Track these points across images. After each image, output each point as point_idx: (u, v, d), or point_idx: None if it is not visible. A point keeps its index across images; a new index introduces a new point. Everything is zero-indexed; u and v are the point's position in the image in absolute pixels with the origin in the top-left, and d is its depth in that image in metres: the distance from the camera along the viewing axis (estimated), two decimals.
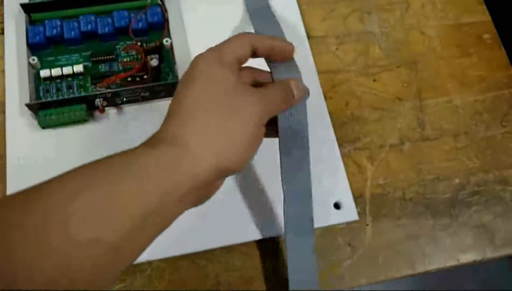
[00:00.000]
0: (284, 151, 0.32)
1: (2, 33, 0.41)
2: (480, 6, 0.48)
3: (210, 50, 0.28)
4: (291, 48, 0.32)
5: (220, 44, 0.29)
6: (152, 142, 0.25)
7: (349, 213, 0.38)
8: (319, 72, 0.43)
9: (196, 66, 0.27)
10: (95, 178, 0.22)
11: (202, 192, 0.26)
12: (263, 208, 0.37)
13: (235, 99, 0.26)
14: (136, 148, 0.25)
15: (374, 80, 0.44)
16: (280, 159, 0.32)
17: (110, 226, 0.21)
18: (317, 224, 0.37)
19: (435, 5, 0.48)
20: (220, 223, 0.36)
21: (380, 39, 0.46)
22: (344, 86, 0.43)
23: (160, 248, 0.35)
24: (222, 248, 0.37)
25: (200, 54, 0.28)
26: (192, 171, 0.24)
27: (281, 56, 0.31)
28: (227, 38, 0.29)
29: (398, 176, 0.41)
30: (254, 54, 0.30)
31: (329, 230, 0.38)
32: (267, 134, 0.29)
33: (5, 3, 0.41)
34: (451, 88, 0.45)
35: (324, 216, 0.38)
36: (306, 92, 0.32)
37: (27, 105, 0.36)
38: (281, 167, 0.32)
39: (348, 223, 0.38)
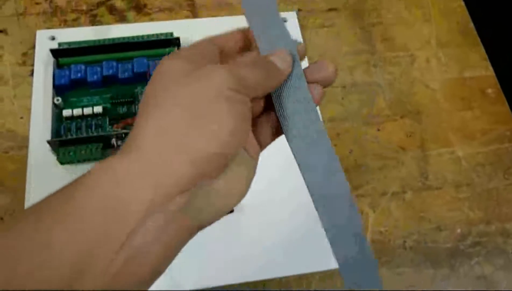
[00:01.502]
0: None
1: (31, 74, 0.44)
2: (483, 61, 0.50)
3: (181, 50, 0.24)
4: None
5: (193, 44, 0.24)
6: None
7: None
8: (325, 121, 0.44)
9: (163, 68, 0.22)
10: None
11: (187, 198, 0.20)
12: (293, 244, 0.38)
13: (196, 80, 0.21)
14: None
15: (378, 130, 0.45)
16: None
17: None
18: (317, 268, 0.38)
19: (439, 59, 0.50)
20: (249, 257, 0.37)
21: (385, 90, 0.48)
22: (348, 135, 0.45)
23: (184, 280, 0.36)
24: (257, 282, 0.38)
25: (170, 54, 0.24)
26: (149, 175, 0.19)
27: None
28: None
29: (399, 224, 0.41)
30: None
31: (329, 274, 0.39)
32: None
33: (36, 48, 0.45)
34: (454, 140, 0.46)
35: (324, 260, 0.38)
36: (296, 60, 0.26)
37: (49, 142, 0.39)
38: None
39: None
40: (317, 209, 0.26)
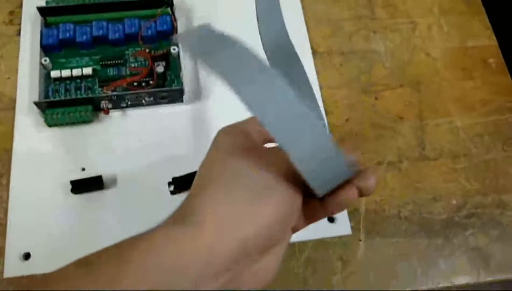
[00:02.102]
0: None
1: (19, 34, 0.43)
2: (486, 30, 0.49)
3: (234, 125, 0.25)
4: None
5: (244, 120, 0.26)
6: (173, 218, 0.22)
7: (343, 227, 0.38)
8: (322, 87, 0.43)
9: (219, 141, 0.24)
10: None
11: (228, 279, 0.21)
12: None
13: (261, 181, 0.22)
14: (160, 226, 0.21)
15: (376, 98, 0.44)
16: None
17: None
18: (310, 236, 0.38)
19: (441, 27, 0.48)
20: None
21: (384, 58, 0.46)
22: (345, 102, 0.44)
23: None
24: None
25: (224, 128, 0.25)
26: (206, 252, 0.20)
27: None
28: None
29: (394, 194, 0.41)
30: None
31: (322, 243, 0.38)
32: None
33: (23, 6, 0.43)
34: (453, 110, 0.45)
35: (317, 229, 0.38)
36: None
37: (36, 103, 0.37)
38: None
39: (341, 237, 0.39)
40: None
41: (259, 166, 0.22)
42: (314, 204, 0.24)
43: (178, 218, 0.21)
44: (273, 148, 0.23)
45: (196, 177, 0.24)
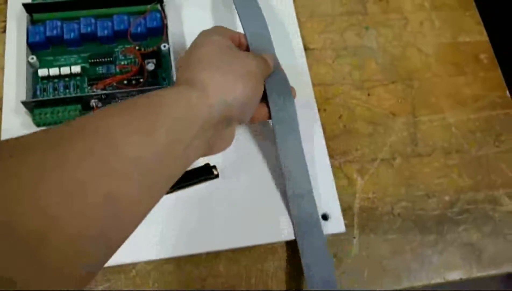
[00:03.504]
0: (279, 137, 0.37)
1: (4, 31, 0.41)
2: (477, 26, 0.49)
3: (209, 29, 0.36)
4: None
5: (212, 28, 0.36)
6: (178, 84, 0.31)
7: (337, 224, 0.38)
8: (314, 84, 0.43)
9: (202, 36, 0.35)
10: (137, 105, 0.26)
11: (212, 134, 0.30)
12: (252, 216, 0.37)
13: (234, 56, 0.33)
14: (164, 89, 0.29)
15: (369, 95, 0.44)
16: (277, 144, 0.37)
17: (150, 142, 0.24)
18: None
19: (433, 23, 0.48)
20: (208, 228, 0.36)
21: (376, 54, 0.46)
22: (338, 99, 0.43)
23: (146, 250, 0.35)
24: (209, 254, 0.37)
25: (203, 32, 0.36)
26: (208, 108, 0.29)
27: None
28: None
29: (387, 191, 0.41)
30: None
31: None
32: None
33: (8, 2, 0.42)
34: (446, 106, 0.45)
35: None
36: (277, 64, 0.39)
37: (23, 102, 0.37)
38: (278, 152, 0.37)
39: (334, 235, 0.38)
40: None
41: (243, 60, 0.33)
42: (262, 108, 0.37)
43: (186, 83, 0.30)
44: (249, 53, 0.36)
45: (194, 58, 0.32)
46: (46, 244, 0.19)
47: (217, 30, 0.36)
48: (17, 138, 0.22)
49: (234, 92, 0.31)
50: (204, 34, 0.35)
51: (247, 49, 0.38)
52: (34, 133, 0.23)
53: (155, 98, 0.27)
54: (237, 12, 0.41)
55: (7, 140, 0.22)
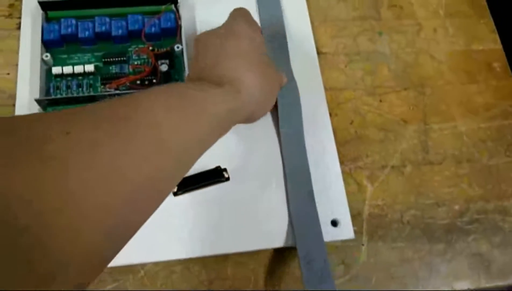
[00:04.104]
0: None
1: (19, 28, 0.42)
2: (492, 34, 0.49)
3: (238, 15, 0.36)
4: None
5: (239, 11, 0.37)
6: (217, 82, 0.31)
7: (346, 231, 0.38)
8: (326, 89, 0.43)
9: (239, 23, 0.35)
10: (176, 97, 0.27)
11: (242, 115, 0.33)
12: (259, 220, 0.37)
13: (267, 61, 0.35)
14: (206, 86, 0.30)
15: (380, 101, 0.44)
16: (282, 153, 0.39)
17: (192, 127, 0.26)
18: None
19: (447, 30, 0.48)
20: (216, 231, 0.36)
21: (389, 60, 0.46)
22: (350, 104, 0.43)
23: (154, 251, 0.35)
24: (217, 256, 0.37)
25: (239, 9, 0.37)
26: (245, 114, 0.32)
27: None
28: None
29: (397, 198, 0.41)
30: None
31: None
32: None
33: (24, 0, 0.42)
34: (457, 114, 0.45)
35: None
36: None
37: (37, 100, 0.37)
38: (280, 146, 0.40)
39: (343, 241, 0.38)
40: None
41: (271, 67, 0.36)
42: None
43: (229, 83, 0.31)
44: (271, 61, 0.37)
45: (234, 50, 0.33)
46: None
47: (252, 21, 0.36)
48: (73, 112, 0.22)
49: (266, 104, 0.35)
50: (240, 23, 0.35)
51: None
52: (95, 105, 0.23)
53: (200, 94, 0.28)
54: (259, 13, 0.44)
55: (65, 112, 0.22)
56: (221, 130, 0.30)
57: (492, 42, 0.48)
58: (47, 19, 0.41)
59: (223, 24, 0.36)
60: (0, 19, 0.43)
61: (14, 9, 0.43)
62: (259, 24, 0.42)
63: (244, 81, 0.32)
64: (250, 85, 0.32)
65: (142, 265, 0.36)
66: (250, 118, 0.35)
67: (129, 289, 0.36)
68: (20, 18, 0.42)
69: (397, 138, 0.43)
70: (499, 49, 0.48)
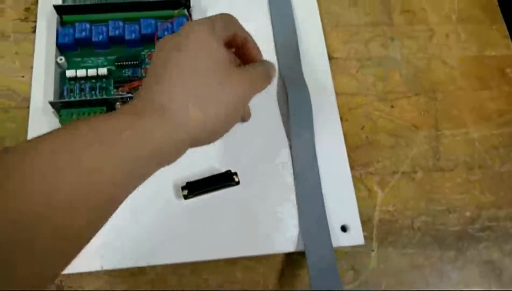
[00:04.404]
0: (294, 134, 0.40)
1: (34, 32, 0.42)
2: (504, 40, 0.48)
3: (202, 20, 0.28)
4: (259, 53, 0.32)
5: (212, 16, 0.29)
6: (135, 110, 0.25)
7: (356, 237, 0.38)
8: (337, 94, 0.43)
9: (187, 33, 0.27)
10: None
11: (172, 156, 0.26)
12: (269, 225, 0.37)
13: (225, 76, 0.27)
14: (120, 114, 0.24)
15: (392, 106, 0.44)
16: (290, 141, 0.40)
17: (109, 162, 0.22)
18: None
19: (459, 36, 0.48)
20: (226, 235, 0.37)
21: (401, 65, 0.46)
22: (361, 110, 0.43)
23: (164, 254, 0.36)
24: (226, 260, 0.37)
25: (192, 22, 0.29)
26: (169, 141, 0.25)
27: (248, 56, 0.32)
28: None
29: (408, 204, 0.40)
30: (231, 40, 0.30)
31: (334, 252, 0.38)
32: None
33: (39, 3, 0.43)
34: (469, 120, 0.44)
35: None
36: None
37: (51, 103, 0.37)
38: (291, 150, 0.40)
39: (353, 247, 0.38)
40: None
41: (231, 83, 0.27)
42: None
43: (159, 109, 0.25)
44: (245, 68, 0.30)
45: (158, 64, 0.27)
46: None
47: (211, 26, 0.27)
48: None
49: (207, 131, 0.26)
50: (189, 29, 0.27)
51: (248, 52, 0.32)
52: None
53: (115, 135, 0.23)
54: (271, 18, 0.45)
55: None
56: (140, 175, 0.24)
57: (504, 48, 0.48)
58: (62, 23, 0.41)
59: (182, 28, 0.28)
60: (16, 22, 0.43)
61: (30, 13, 0.44)
62: (272, 33, 0.42)
63: (183, 113, 0.25)
64: (192, 119, 0.25)
65: (152, 267, 0.36)
66: (193, 145, 0.27)
67: (139, 290, 0.36)
68: (35, 21, 0.43)
69: (408, 144, 0.43)
70: (511, 55, 0.48)
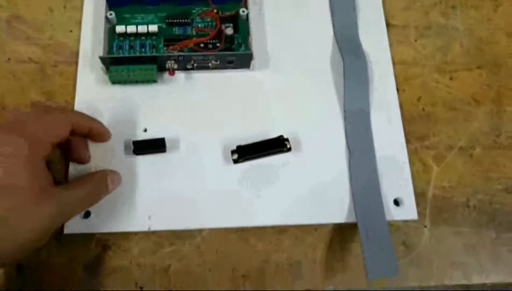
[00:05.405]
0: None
1: None
2: None
3: (14, 131, 0.27)
4: (108, 134, 0.35)
5: (37, 122, 0.29)
6: None
7: (409, 211, 0.36)
8: (395, 63, 0.41)
9: None
10: None
11: None
12: (320, 194, 0.36)
13: (27, 205, 0.26)
14: None
15: (451, 78, 0.41)
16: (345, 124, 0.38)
17: None
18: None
19: None
20: (275, 202, 0.35)
21: (462, 36, 0.43)
22: (418, 80, 0.41)
23: (212, 217, 0.35)
24: (275, 228, 0.36)
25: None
26: None
27: (98, 138, 0.35)
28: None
29: (464, 181, 0.39)
30: (72, 132, 0.32)
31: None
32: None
33: None
34: None
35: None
36: (120, 182, 0.34)
37: (101, 58, 0.36)
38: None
39: (405, 222, 0.37)
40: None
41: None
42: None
43: None
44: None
45: None
46: None
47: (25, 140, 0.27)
48: None
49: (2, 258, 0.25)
50: None
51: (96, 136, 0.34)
52: None
53: None
54: None
55: None
56: None
57: None
58: None
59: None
60: None
61: None
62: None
63: None
64: None
65: (199, 230, 0.36)
66: None
67: (184, 253, 0.35)
68: None
69: (467, 118, 0.40)
70: None
